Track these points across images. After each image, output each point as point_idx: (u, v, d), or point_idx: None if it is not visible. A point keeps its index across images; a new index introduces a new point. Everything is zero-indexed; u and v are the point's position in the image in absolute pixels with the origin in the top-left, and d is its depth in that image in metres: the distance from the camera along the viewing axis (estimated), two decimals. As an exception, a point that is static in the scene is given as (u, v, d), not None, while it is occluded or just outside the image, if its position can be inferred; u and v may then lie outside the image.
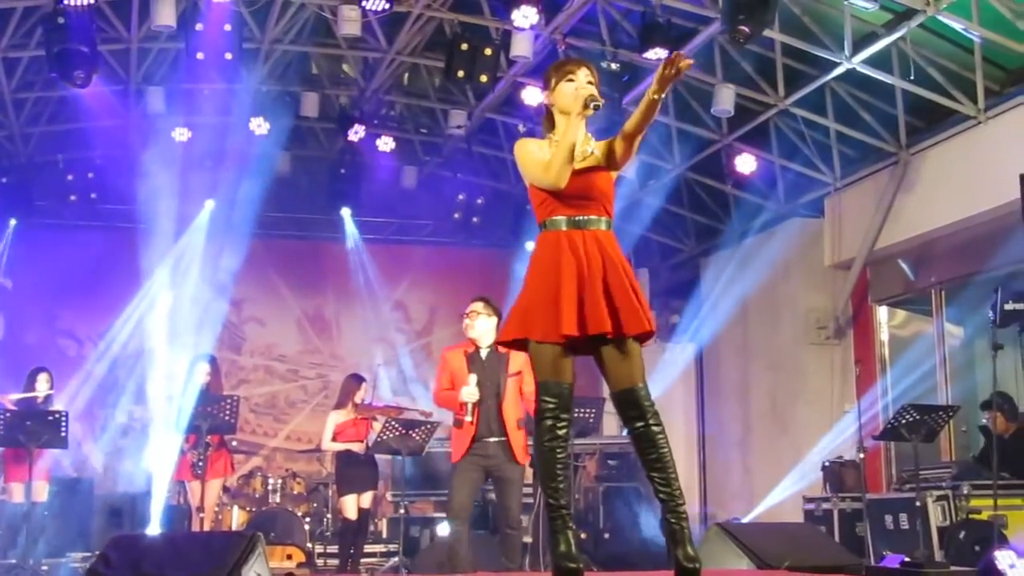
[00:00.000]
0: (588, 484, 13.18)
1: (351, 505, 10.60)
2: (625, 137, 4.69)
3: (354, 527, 10.64)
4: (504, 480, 7.50)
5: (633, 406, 4.65)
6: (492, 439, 7.46)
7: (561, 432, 4.66)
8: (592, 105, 4.63)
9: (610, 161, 4.76)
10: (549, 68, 4.91)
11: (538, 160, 4.71)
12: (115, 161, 14.07)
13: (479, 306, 7.62)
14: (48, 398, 10.52)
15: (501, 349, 7.49)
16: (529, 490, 11.62)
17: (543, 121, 4.96)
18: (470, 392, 7.47)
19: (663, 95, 4.57)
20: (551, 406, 4.65)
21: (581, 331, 4.58)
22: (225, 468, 10.50)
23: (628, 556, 11.12)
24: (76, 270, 14.41)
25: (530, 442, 10.00)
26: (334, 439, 10.73)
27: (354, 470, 10.63)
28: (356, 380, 11.07)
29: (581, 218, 4.70)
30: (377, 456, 10.71)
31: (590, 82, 4.75)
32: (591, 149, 4.79)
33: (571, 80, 4.74)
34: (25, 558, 9.64)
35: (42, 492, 10.33)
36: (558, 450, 4.66)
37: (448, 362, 7.72)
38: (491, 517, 11.29)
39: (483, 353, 7.61)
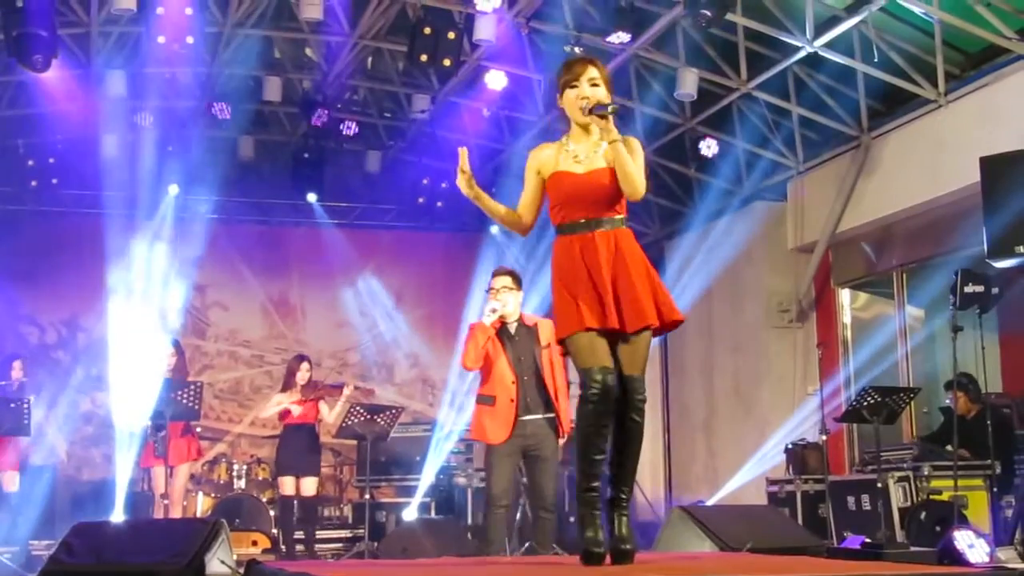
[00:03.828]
0: (554, 468, 13.20)
1: (288, 484, 10.54)
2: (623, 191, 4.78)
3: (291, 507, 10.57)
4: (541, 459, 7.18)
5: (623, 392, 4.69)
6: (530, 416, 7.16)
7: (604, 420, 4.66)
8: (587, 109, 4.69)
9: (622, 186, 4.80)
10: (560, 67, 4.93)
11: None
12: (76, 146, 13.94)
13: (508, 280, 7.32)
14: (21, 386, 10.47)
15: (529, 322, 7.32)
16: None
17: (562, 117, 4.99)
18: (493, 307, 7.20)
19: (615, 137, 4.70)
20: (594, 391, 4.61)
21: (601, 324, 4.64)
22: (194, 453, 10.47)
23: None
24: (38, 256, 14.31)
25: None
26: (282, 419, 10.68)
27: (292, 454, 10.56)
28: (297, 360, 10.98)
29: (592, 220, 4.76)
30: (341, 441, 10.69)
31: (594, 83, 4.75)
32: (600, 151, 4.81)
33: (574, 87, 4.75)
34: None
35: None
36: (597, 438, 4.66)
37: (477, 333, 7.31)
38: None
39: (512, 328, 7.31)
